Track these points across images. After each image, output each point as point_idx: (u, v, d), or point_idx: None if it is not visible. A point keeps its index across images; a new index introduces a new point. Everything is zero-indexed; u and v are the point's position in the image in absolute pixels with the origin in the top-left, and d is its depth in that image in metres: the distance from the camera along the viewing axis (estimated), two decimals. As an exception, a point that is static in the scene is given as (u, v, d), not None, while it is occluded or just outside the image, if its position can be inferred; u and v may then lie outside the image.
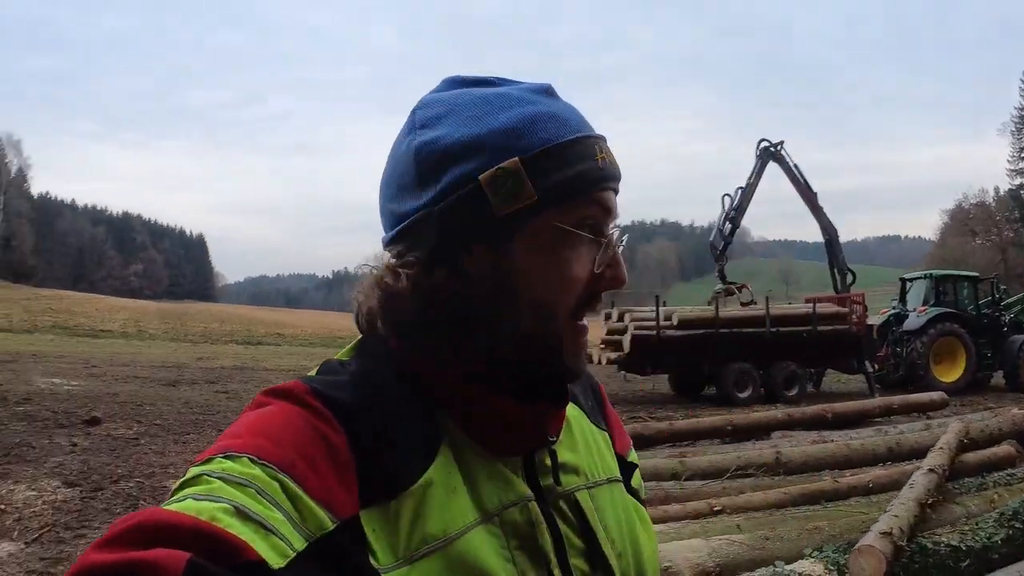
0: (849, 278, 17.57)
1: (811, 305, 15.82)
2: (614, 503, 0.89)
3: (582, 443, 0.90)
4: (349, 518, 0.65)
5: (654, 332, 14.79)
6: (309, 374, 0.78)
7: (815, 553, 3.88)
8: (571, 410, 0.90)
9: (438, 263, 0.77)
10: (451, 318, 0.77)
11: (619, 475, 0.95)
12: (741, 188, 18.08)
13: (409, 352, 0.78)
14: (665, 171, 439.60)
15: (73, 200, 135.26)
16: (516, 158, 0.75)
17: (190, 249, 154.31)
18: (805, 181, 18.08)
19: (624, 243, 0.83)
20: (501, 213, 0.75)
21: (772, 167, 18.12)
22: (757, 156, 18.07)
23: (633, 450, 1.05)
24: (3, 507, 6.38)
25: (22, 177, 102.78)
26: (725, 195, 18.26)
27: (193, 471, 0.63)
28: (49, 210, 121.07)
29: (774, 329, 14.96)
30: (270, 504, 0.60)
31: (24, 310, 42.44)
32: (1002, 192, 73.44)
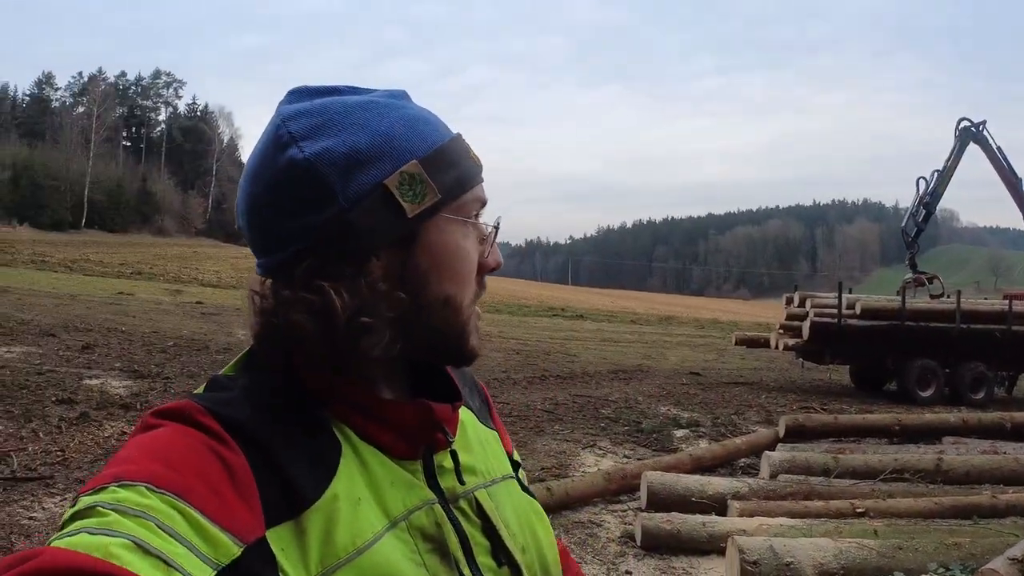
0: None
1: (1007, 302, 14.67)
2: (512, 499, 0.91)
3: (476, 443, 0.92)
4: (256, 541, 0.63)
5: (835, 320, 14.14)
6: (196, 391, 0.77)
7: (940, 570, 3.75)
8: (462, 412, 0.92)
9: (357, 272, 0.76)
10: (361, 326, 0.75)
11: (512, 472, 0.97)
12: (938, 171, 16.96)
13: (305, 366, 0.77)
14: (871, 148, 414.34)
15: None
16: (415, 160, 0.78)
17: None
18: (1009, 165, 16.67)
19: (499, 226, 0.88)
20: (412, 215, 0.77)
21: (975, 150, 16.88)
22: (956, 137, 16.84)
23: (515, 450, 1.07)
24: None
25: (233, 145, 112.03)
26: (920, 178, 17.17)
27: (85, 501, 0.59)
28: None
29: (964, 325, 13.93)
30: (171, 536, 0.58)
31: (232, 267, 45.93)
32: None
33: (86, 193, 77.49)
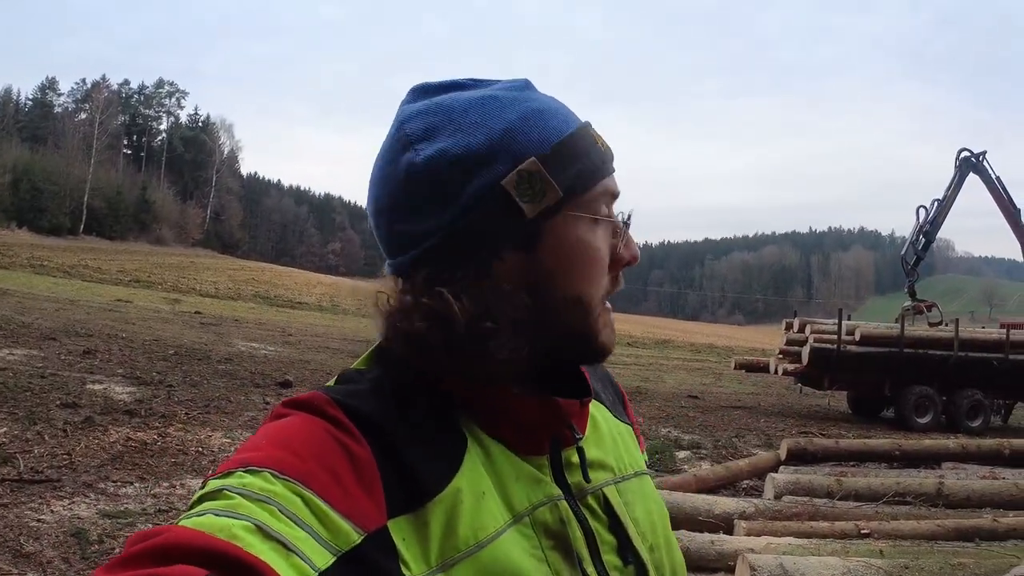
0: None
1: (1004, 330, 14.76)
2: (644, 496, 0.90)
3: (608, 438, 0.91)
4: (376, 530, 0.64)
5: (835, 346, 14.25)
6: (327, 384, 0.78)
7: (948, 588, 3.80)
8: (594, 407, 0.91)
9: (477, 276, 0.76)
10: (485, 331, 0.75)
11: (646, 468, 0.96)
12: (938, 200, 17.11)
13: (429, 370, 0.77)
14: (869, 175, 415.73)
15: (279, 180, 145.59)
16: (533, 157, 0.75)
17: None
18: (1008, 196, 16.84)
19: (631, 219, 0.84)
20: (531, 215, 0.75)
21: (974, 179, 17.04)
22: (956, 167, 17.00)
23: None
24: (200, 449, 7.28)
25: (233, 157, 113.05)
26: (920, 207, 17.33)
27: (213, 484, 0.62)
28: (256, 188, 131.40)
29: (962, 354, 14.02)
30: (292, 521, 0.59)
31: (229, 279, 46.11)
32: None
33: (85, 199, 77.52)
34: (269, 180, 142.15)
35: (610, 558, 0.80)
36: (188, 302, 29.60)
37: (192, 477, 6.37)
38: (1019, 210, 16.91)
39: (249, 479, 0.61)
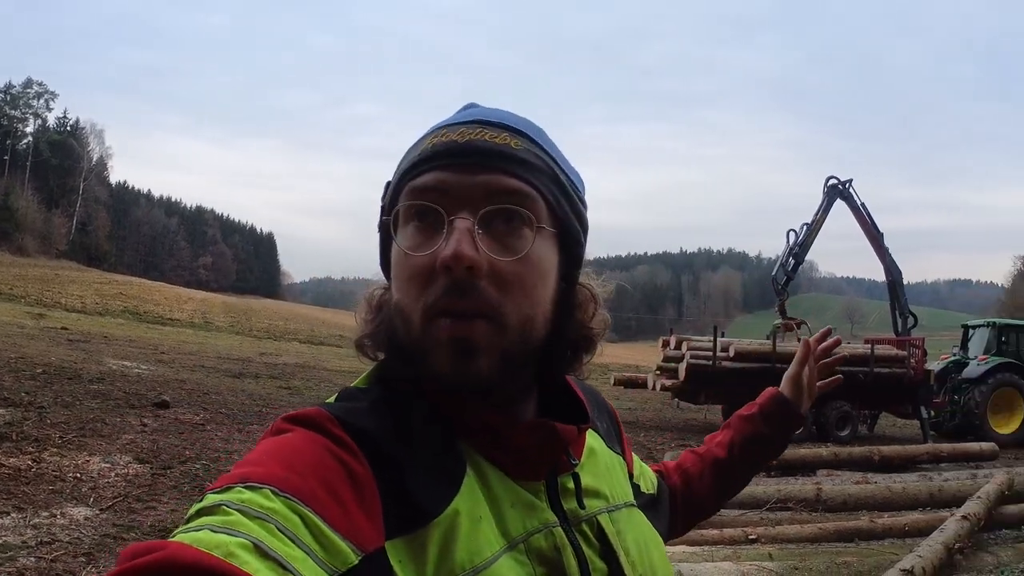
0: (910, 321, 17.22)
1: (869, 346, 15.69)
2: (633, 526, 0.91)
3: (602, 467, 0.92)
4: (374, 551, 0.64)
5: (710, 362, 14.79)
6: (328, 400, 0.79)
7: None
8: (590, 436, 0.92)
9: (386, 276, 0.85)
10: (366, 335, 0.85)
11: (634, 500, 0.97)
12: (807, 224, 18.00)
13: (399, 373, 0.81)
14: (739, 200, 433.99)
15: (149, 190, 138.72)
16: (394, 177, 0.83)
17: (259, 246, 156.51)
18: (872, 221, 17.90)
19: (474, 219, 0.75)
20: (380, 226, 0.83)
21: (840, 205, 18.02)
22: (824, 193, 17.95)
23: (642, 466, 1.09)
24: (79, 475, 6.88)
25: (102, 164, 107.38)
26: (790, 230, 18.15)
27: (211, 499, 0.61)
28: (126, 198, 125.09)
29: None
30: (290, 540, 0.59)
31: (97, 293, 43.94)
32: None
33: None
34: (139, 190, 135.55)
35: None
36: (54, 317, 28.04)
37: (73, 505, 6.02)
38: (882, 234, 17.96)
39: (248, 495, 0.60)
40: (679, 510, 1.17)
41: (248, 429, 9.82)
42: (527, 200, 0.77)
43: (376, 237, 0.84)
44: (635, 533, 0.89)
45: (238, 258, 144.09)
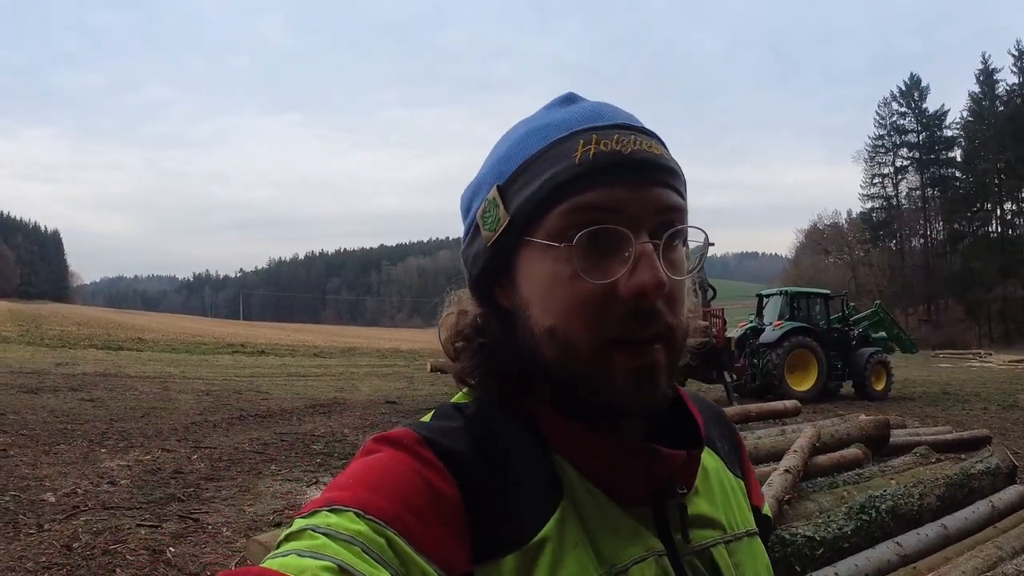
0: (710, 293, 18.27)
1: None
2: (753, 558, 0.83)
3: (719, 493, 0.84)
4: (461, 575, 0.63)
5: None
6: (423, 419, 0.76)
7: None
8: (708, 458, 0.84)
9: (481, 300, 0.79)
10: (456, 350, 0.79)
11: (756, 528, 0.87)
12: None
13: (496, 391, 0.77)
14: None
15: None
16: (495, 185, 0.75)
17: (44, 246, 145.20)
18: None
19: (661, 242, 0.70)
20: (489, 242, 0.74)
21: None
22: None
23: (767, 503, 0.97)
24: None
25: None
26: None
27: (299, 523, 0.61)
28: None
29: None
30: (376, 562, 0.58)
31: None
32: (854, 214, 78.98)
33: None
34: None
35: None
36: None
37: None
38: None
39: (334, 519, 0.61)
40: None
41: (56, 450, 8.64)
42: (685, 216, 0.74)
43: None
44: (755, 566, 0.82)
45: (22, 260, 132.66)
